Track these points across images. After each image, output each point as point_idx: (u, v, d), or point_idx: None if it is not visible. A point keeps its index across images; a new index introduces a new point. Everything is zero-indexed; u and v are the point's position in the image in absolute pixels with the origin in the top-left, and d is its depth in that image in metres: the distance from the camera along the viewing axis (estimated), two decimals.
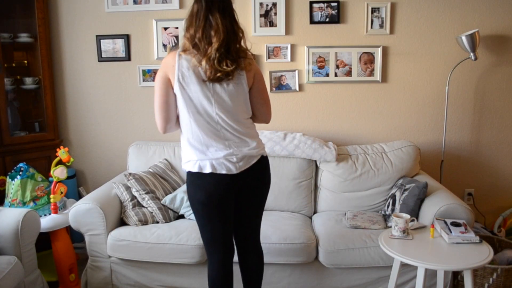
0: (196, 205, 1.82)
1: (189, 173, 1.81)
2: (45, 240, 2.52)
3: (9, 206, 2.50)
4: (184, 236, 2.33)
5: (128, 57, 3.09)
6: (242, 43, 1.78)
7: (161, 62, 1.79)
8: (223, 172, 1.76)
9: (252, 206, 1.94)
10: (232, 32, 1.72)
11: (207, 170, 1.75)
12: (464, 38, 2.73)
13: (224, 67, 1.69)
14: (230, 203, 1.85)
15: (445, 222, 2.13)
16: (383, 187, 2.72)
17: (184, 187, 2.63)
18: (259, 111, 1.90)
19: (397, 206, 2.46)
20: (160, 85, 1.76)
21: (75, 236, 2.88)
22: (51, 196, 2.51)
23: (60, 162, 2.56)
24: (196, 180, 1.79)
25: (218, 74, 1.69)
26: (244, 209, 1.92)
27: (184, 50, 1.75)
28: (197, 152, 1.77)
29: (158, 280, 2.41)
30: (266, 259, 2.28)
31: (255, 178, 1.88)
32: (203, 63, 1.68)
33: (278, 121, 3.10)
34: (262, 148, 1.90)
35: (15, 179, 2.50)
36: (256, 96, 1.85)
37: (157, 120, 1.82)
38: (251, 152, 1.82)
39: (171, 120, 1.81)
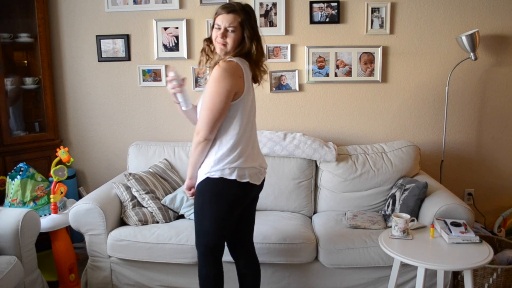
0: (218, 214, 1.82)
1: (220, 180, 1.77)
2: (45, 240, 2.52)
3: (9, 206, 2.50)
4: (184, 236, 2.33)
5: (128, 57, 3.09)
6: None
7: (224, 74, 1.71)
8: (255, 183, 1.85)
9: (254, 214, 2.08)
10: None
11: (246, 179, 1.80)
12: (464, 38, 2.73)
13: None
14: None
15: (445, 222, 2.13)
16: (383, 187, 2.72)
17: (184, 187, 2.62)
18: None
19: (397, 206, 2.46)
20: (228, 95, 1.73)
21: (75, 236, 2.88)
22: (51, 196, 2.51)
23: (60, 162, 2.56)
24: (228, 187, 1.79)
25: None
26: (252, 217, 2.05)
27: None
28: (242, 160, 1.79)
29: (158, 280, 2.41)
30: (266, 259, 2.29)
31: (260, 190, 1.99)
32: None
33: (278, 121, 3.10)
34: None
35: (15, 179, 2.50)
36: None
37: (212, 129, 1.75)
38: (265, 167, 1.96)
39: None
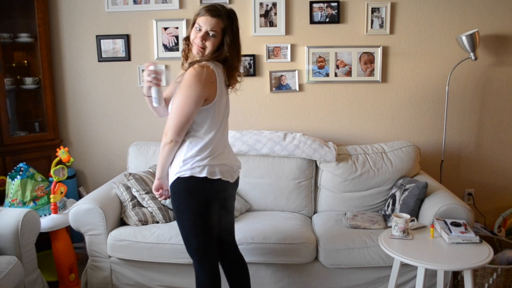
0: (196, 211, 1.80)
1: (191, 178, 1.75)
2: (45, 240, 2.52)
3: (9, 206, 2.50)
4: None
5: (128, 57, 3.09)
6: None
7: (197, 79, 1.68)
8: (228, 180, 1.84)
9: (233, 213, 2.08)
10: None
11: (217, 176, 1.78)
12: (464, 38, 2.73)
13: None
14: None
15: (445, 222, 2.13)
16: (383, 187, 2.72)
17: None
18: None
19: (397, 206, 2.46)
20: (198, 101, 1.71)
21: (75, 236, 2.88)
22: (51, 196, 2.51)
23: (60, 162, 2.56)
24: (201, 184, 1.77)
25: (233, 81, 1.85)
26: (231, 216, 2.04)
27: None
28: (211, 159, 1.78)
29: (158, 280, 2.41)
30: (266, 259, 2.29)
31: (235, 188, 2.01)
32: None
33: (278, 121, 3.10)
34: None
35: (15, 179, 2.50)
36: None
37: (180, 132, 1.74)
38: (239, 165, 1.96)
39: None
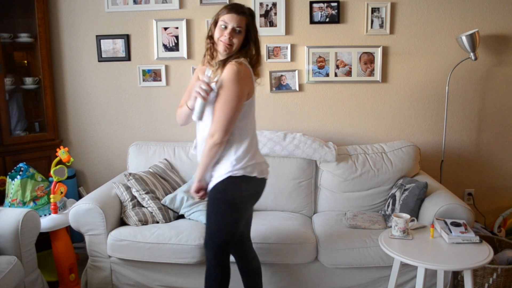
0: (237, 209, 1.85)
1: (243, 178, 1.81)
2: (45, 240, 2.52)
3: (9, 206, 2.50)
4: (184, 236, 2.32)
5: (128, 57, 3.09)
6: None
7: (239, 75, 1.73)
8: (267, 177, 1.92)
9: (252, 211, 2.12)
10: None
11: (263, 175, 1.87)
12: (464, 38, 2.73)
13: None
14: None
15: (445, 222, 2.13)
16: (383, 187, 2.72)
17: (184, 187, 2.64)
18: None
19: (397, 206, 2.46)
20: (242, 97, 1.76)
21: (75, 236, 2.88)
22: (51, 196, 2.51)
23: (60, 162, 2.56)
24: (251, 184, 1.84)
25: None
26: (251, 213, 2.10)
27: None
28: (255, 157, 1.84)
29: (158, 280, 2.41)
30: (266, 259, 2.29)
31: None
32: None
33: (278, 121, 3.10)
34: None
35: (15, 179, 2.50)
36: None
37: (228, 130, 1.76)
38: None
39: None
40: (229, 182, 1.79)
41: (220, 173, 1.81)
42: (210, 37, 1.83)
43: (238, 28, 1.74)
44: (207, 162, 1.79)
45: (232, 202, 1.81)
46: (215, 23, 1.79)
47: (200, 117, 1.82)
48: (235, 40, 1.75)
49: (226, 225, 1.84)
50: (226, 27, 1.74)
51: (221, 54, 1.80)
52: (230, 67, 1.72)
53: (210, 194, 1.85)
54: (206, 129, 1.81)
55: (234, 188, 1.80)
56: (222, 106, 1.73)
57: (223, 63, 1.76)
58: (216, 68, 1.79)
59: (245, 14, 1.76)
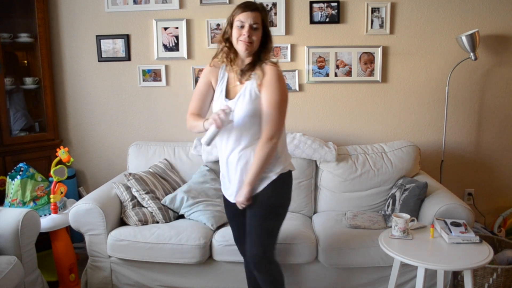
0: (287, 208, 1.91)
1: (289, 173, 1.88)
2: (45, 240, 2.52)
3: (9, 206, 2.50)
4: (184, 236, 2.32)
5: (128, 57, 3.09)
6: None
7: (282, 76, 1.78)
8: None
9: None
10: None
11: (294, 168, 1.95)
12: (464, 38, 2.73)
13: None
14: None
15: (445, 222, 2.13)
16: (383, 187, 2.72)
17: (184, 187, 2.64)
18: None
19: (397, 206, 2.46)
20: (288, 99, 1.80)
21: (75, 236, 2.88)
22: (51, 196, 2.51)
23: (60, 162, 2.56)
24: (291, 178, 1.92)
25: None
26: None
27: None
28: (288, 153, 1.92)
29: (158, 280, 2.41)
30: None
31: None
32: None
33: None
34: None
35: (15, 179, 2.50)
36: None
37: (282, 130, 1.83)
38: None
39: None
40: (282, 179, 1.83)
41: (271, 173, 1.81)
42: (226, 39, 1.80)
43: (255, 25, 1.73)
44: (264, 164, 1.76)
45: (287, 201, 1.89)
46: (231, 24, 1.77)
47: (209, 143, 1.73)
48: (254, 38, 1.74)
49: (278, 228, 1.87)
50: (243, 26, 1.73)
51: (242, 54, 1.78)
52: (273, 69, 1.74)
53: (267, 196, 1.81)
54: (247, 135, 1.77)
55: (287, 185, 1.88)
56: (276, 109, 1.73)
57: (258, 65, 1.76)
58: (246, 73, 1.78)
59: (259, 9, 1.76)
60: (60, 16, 3.07)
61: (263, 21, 1.76)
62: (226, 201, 1.98)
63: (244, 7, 1.75)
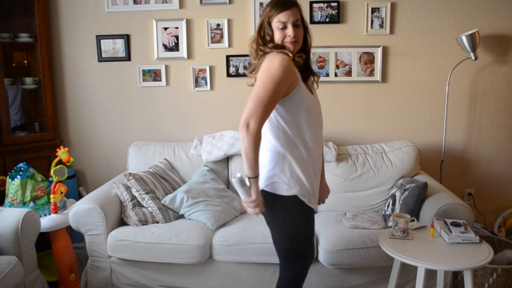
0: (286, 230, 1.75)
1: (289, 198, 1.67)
2: (45, 240, 2.52)
3: (9, 206, 2.49)
4: (184, 236, 2.32)
5: (128, 57, 3.09)
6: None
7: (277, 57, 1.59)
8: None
9: None
10: None
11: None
12: (464, 38, 2.73)
13: None
14: None
15: (445, 222, 2.12)
16: (383, 187, 2.72)
17: (184, 187, 2.64)
18: None
19: (397, 206, 2.46)
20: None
21: (75, 236, 2.87)
22: (51, 196, 2.51)
23: (60, 162, 2.56)
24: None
25: None
26: None
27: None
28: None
29: (158, 280, 2.41)
30: (266, 259, 2.29)
31: None
32: None
33: None
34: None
35: (15, 179, 2.50)
36: None
37: None
38: None
39: None
40: (275, 200, 1.69)
41: (260, 178, 1.71)
42: (262, 37, 1.67)
43: (296, 22, 1.64)
44: (245, 155, 1.60)
45: (285, 228, 1.76)
46: (269, 25, 1.65)
47: (246, 195, 1.59)
48: (299, 35, 1.66)
49: (290, 246, 1.76)
50: (285, 27, 1.63)
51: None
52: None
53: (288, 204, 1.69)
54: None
55: (287, 211, 1.72)
56: (256, 87, 1.60)
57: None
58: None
59: (295, 4, 1.65)
60: (60, 16, 3.07)
61: (302, 16, 1.69)
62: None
63: (280, 6, 1.63)
